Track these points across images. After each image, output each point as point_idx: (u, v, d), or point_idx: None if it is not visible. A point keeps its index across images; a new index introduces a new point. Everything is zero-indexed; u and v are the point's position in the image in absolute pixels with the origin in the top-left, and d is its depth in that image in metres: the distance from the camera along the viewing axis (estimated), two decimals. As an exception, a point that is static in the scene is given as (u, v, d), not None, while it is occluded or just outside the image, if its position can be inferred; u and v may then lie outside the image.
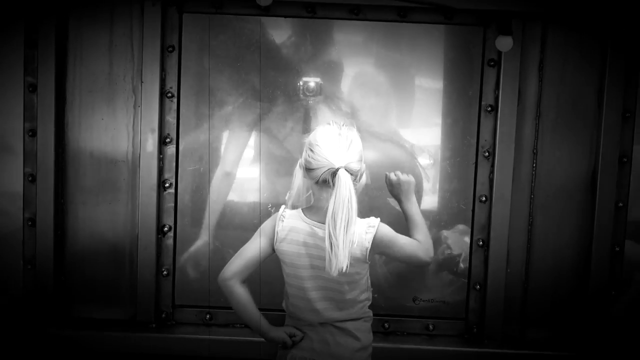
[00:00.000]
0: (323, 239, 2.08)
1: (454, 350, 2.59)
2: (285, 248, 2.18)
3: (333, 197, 2.03)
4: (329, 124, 2.16)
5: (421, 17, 2.61)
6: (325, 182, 2.07)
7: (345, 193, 2.02)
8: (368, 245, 2.14)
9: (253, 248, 2.21)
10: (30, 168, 2.62)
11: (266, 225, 2.23)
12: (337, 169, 2.04)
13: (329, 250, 2.04)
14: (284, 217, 2.19)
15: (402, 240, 2.22)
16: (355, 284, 2.19)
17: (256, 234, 2.23)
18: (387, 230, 2.19)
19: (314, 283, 2.17)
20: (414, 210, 2.29)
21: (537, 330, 2.70)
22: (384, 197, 2.59)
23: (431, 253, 2.26)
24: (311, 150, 2.09)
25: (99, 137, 2.64)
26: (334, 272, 2.05)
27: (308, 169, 2.09)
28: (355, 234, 2.09)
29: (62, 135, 2.63)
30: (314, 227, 2.15)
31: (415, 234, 2.26)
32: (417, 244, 2.23)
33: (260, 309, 2.18)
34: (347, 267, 2.05)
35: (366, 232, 2.15)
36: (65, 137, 2.64)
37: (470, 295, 2.67)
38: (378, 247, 2.16)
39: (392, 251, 2.20)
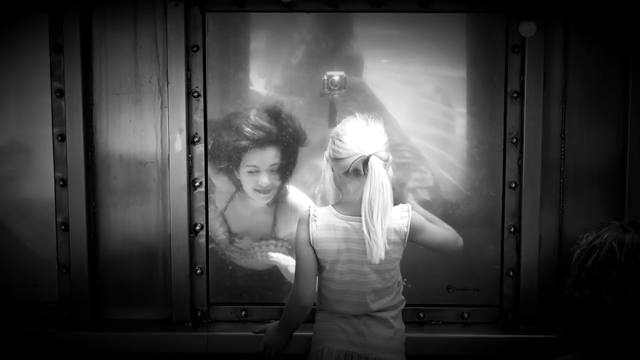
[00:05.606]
0: (361, 231, 2.08)
1: (491, 337, 2.58)
2: (325, 247, 2.16)
3: (368, 184, 2.03)
4: (355, 116, 2.18)
5: (443, 7, 2.61)
6: (356, 171, 2.08)
7: (379, 179, 2.03)
8: (406, 230, 2.16)
9: (309, 264, 2.18)
10: (61, 173, 2.63)
11: (301, 233, 2.19)
12: (369, 157, 2.04)
13: (368, 238, 2.05)
14: (315, 217, 2.17)
15: (432, 226, 2.25)
16: (395, 271, 2.21)
17: (299, 247, 2.19)
18: (418, 216, 2.24)
19: (355, 277, 2.17)
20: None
21: (573, 314, 2.70)
22: (408, 190, 2.61)
23: (461, 241, 2.30)
24: (340, 140, 2.10)
25: (128, 139, 2.65)
26: (376, 260, 2.06)
27: (337, 159, 2.10)
28: (392, 220, 2.11)
29: (90, 139, 2.64)
30: (350, 222, 2.15)
31: (441, 225, 2.31)
32: (447, 232, 2.28)
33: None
34: (385, 253, 2.06)
35: (402, 217, 2.17)
36: (94, 140, 2.65)
37: (504, 282, 2.67)
38: (412, 232, 2.18)
39: (423, 237, 2.23)
